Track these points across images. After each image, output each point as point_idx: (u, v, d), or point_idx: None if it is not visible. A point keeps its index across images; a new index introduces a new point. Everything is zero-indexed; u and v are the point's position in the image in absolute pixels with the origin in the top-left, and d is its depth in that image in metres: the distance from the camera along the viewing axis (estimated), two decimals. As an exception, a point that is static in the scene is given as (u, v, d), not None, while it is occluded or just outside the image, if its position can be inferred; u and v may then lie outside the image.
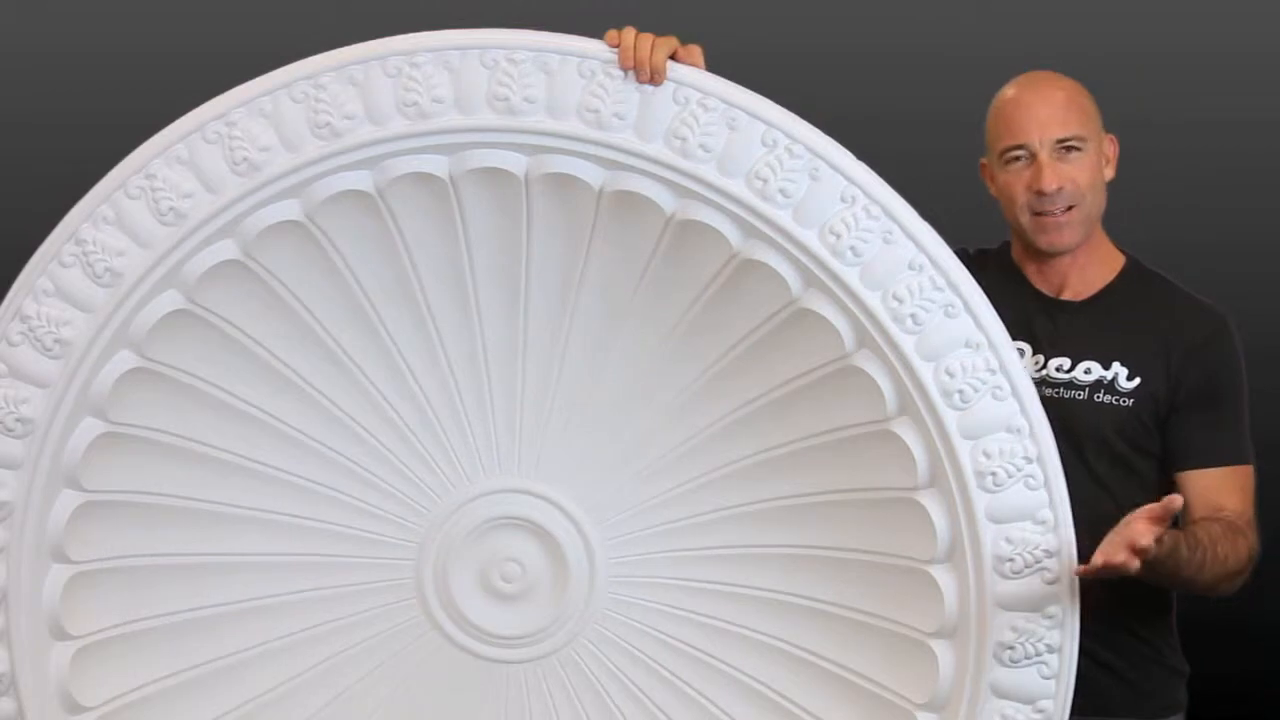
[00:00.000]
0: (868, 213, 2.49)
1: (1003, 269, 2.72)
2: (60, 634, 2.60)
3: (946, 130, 2.99)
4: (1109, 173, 2.68)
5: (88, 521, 2.60)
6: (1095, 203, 2.65)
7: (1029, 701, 2.52)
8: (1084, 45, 3.59)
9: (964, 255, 2.67)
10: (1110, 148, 2.68)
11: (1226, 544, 2.53)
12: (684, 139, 2.49)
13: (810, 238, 2.49)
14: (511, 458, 2.67)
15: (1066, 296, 2.69)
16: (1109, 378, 2.63)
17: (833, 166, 2.49)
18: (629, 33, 2.49)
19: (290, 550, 2.69)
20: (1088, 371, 2.64)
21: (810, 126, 2.50)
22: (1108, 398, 2.62)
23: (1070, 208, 2.62)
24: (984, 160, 2.73)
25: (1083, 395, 2.62)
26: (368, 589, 2.70)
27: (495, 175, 2.52)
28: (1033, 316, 2.67)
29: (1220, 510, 2.58)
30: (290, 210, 2.53)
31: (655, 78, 2.48)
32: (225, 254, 2.54)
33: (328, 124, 2.50)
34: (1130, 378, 2.63)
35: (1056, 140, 2.61)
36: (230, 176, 2.52)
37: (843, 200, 2.49)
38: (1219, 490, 2.60)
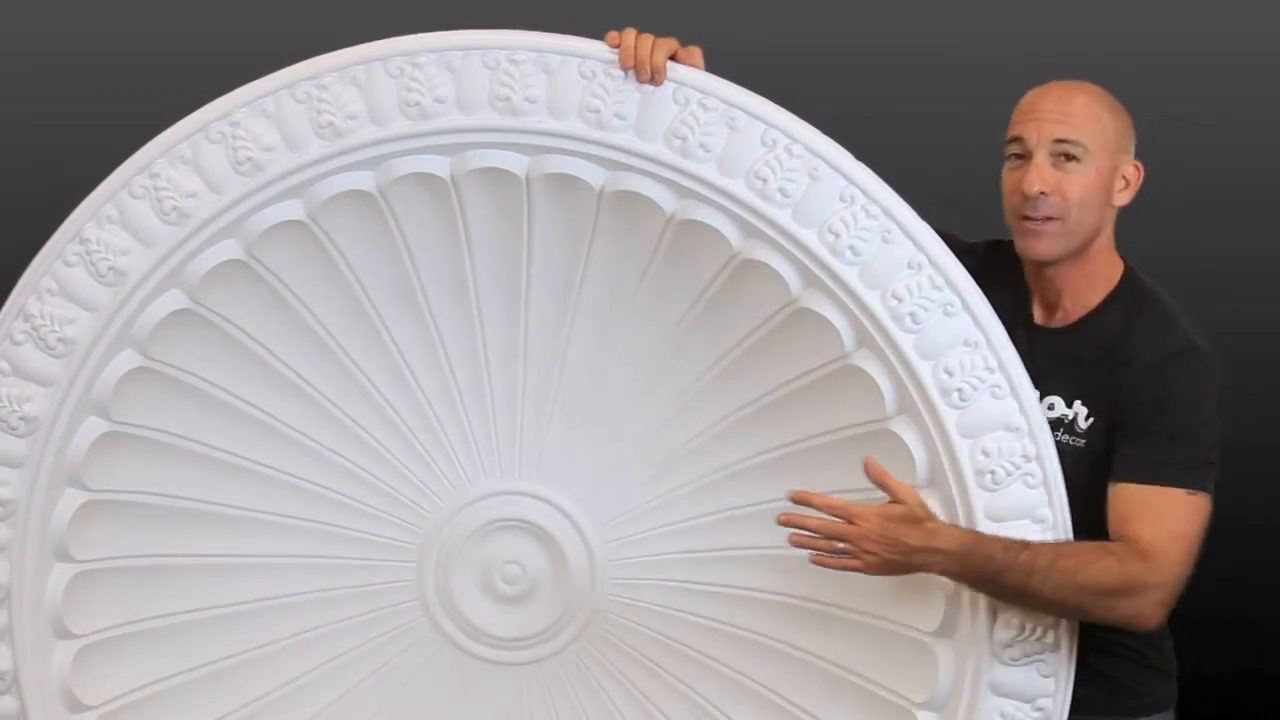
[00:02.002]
0: (866, 212, 2.49)
1: (1009, 279, 2.63)
2: (63, 632, 2.60)
3: (946, 130, 3.00)
4: (1122, 197, 2.57)
5: (91, 521, 2.60)
6: (1082, 221, 2.53)
7: (1028, 700, 2.52)
8: (1084, 45, 3.58)
9: (987, 246, 2.65)
10: (1133, 173, 2.56)
11: (1084, 558, 2.42)
12: (684, 139, 2.49)
13: (810, 237, 2.49)
14: (512, 459, 2.68)
15: (1056, 321, 2.60)
16: (1070, 416, 2.55)
17: (832, 166, 2.49)
18: (629, 33, 2.50)
19: (292, 552, 2.69)
20: (1051, 408, 2.55)
21: (809, 126, 2.51)
22: (1065, 437, 2.54)
23: (1051, 219, 2.52)
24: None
25: None
26: (369, 591, 2.71)
27: (496, 175, 2.53)
28: (1018, 338, 2.56)
29: (1122, 536, 2.44)
30: (293, 210, 2.54)
31: (655, 78, 2.48)
32: (228, 254, 2.55)
33: (330, 124, 2.51)
34: (1088, 417, 2.54)
35: (1054, 140, 2.51)
36: (233, 176, 2.52)
37: (842, 200, 2.49)
38: (1130, 508, 2.47)
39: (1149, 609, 2.43)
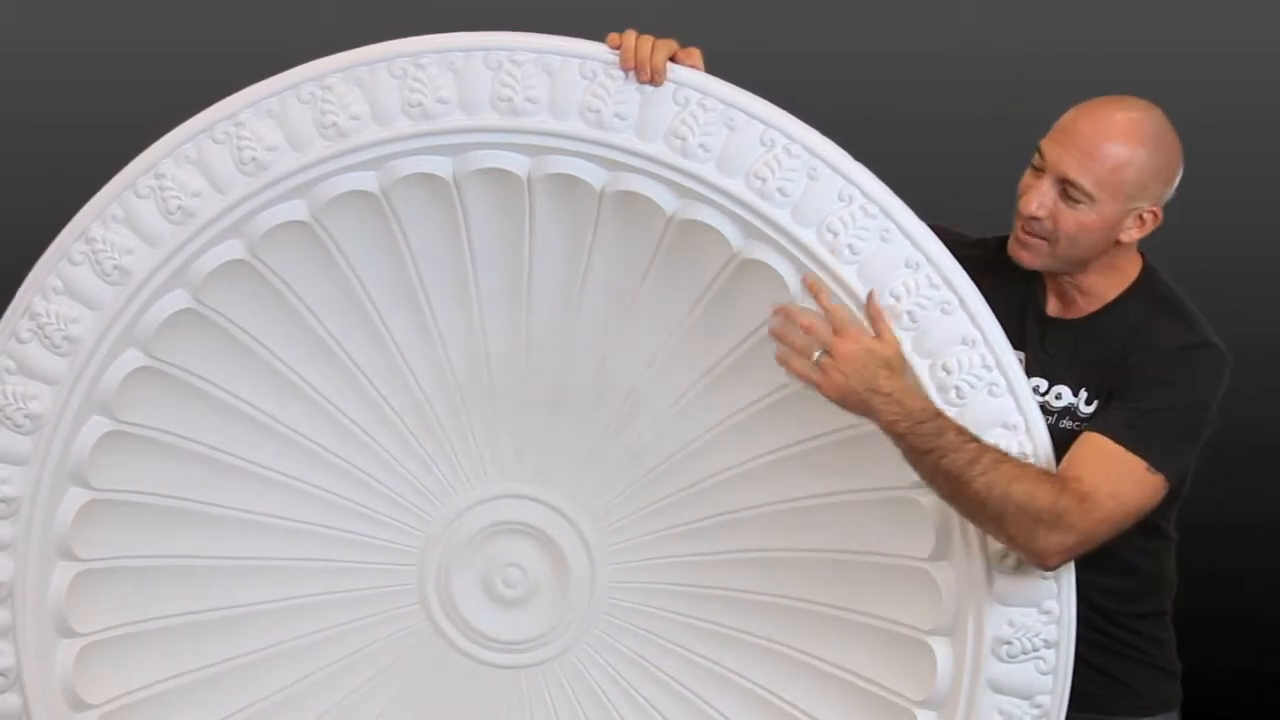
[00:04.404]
0: (865, 211, 2.49)
1: (1018, 270, 2.62)
2: (66, 631, 2.61)
3: (946, 130, 2.99)
4: (1129, 235, 2.54)
5: (94, 519, 2.62)
6: (1070, 252, 2.53)
7: (1027, 697, 2.53)
8: (1084, 45, 3.57)
9: (997, 242, 2.64)
10: (1150, 218, 2.53)
11: (1026, 472, 2.42)
12: (684, 139, 2.50)
13: (808, 236, 2.50)
14: (513, 463, 2.69)
15: (1071, 313, 2.61)
16: (1075, 404, 2.57)
17: (830, 166, 2.50)
18: (630, 35, 2.50)
19: (292, 555, 2.71)
20: (1059, 397, 2.58)
21: (808, 126, 2.51)
22: (1070, 424, 2.56)
23: (1039, 239, 2.53)
24: None
25: (1051, 420, 2.55)
26: (371, 594, 2.73)
27: (498, 176, 2.53)
28: (1029, 329, 2.61)
29: (1068, 476, 2.44)
30: (296, 210, 2.55)
31: (655, 78, 2.49)
32: (232, 254, 2.56)
33: (334, 124, 2.51)
34: (1089, 402, 2.56)
35: (1062, 177, 2.50)
36: (238, 176, 2.52)
37: (840, 199, 2.50)
38: (1090, 456, 2.46)
39: (1055, 548, 2.42)
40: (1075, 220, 2.51)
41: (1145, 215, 2.54)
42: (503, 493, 2.70)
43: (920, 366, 2.49)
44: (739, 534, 2.68)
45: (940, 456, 2.41)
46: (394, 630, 2.72)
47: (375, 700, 2.72)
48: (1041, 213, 2.51)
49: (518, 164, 2.53)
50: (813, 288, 2.48)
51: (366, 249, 2.59)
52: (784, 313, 2.47)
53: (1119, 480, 2.45)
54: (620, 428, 2.67)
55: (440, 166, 2.54)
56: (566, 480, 2.68)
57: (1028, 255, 2.55)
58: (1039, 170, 2.53)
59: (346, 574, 2.71)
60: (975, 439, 2.42)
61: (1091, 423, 2.50)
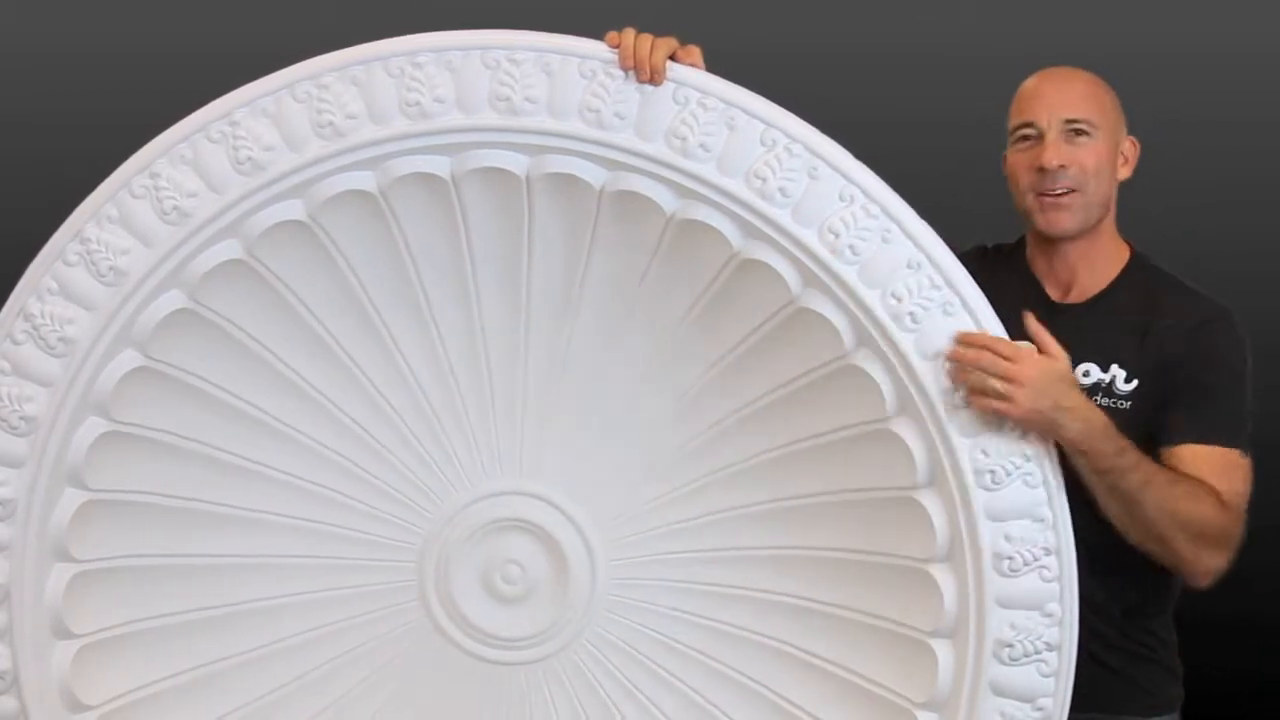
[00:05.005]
0: (866, 211, 2.51)
1: (1014, 270, 2.75)
2: (63, 632, 2.62)
3: (946, 130, 3.03)
4: (1124, 172, 2.73)
5: (91, 520, 2.62)
6: (1099, 191, 2.68)
7: (1028, 699, 2.54)
8: (1084, 45, 3.59)
9: (978, 252, 2.73)
10: (1130, 149, 2.72)
11: (1186, 488, 2.51)
12: (684, 138, 2.51)
13: (809, 236, 2.51)
14: (513, 460, 2.70)
15: (1072, 298, 2.71)
16: (1107, 380, 2.65)
17: (831, 166, 2.51)
18: (629, 33, 2.52)
19: (292, 552, 2.71)
20: (1086, 374, 2.65)
21: (808, 126, 2.52)
22: (1106, 400, 2.63)
23: (1071, 191, 2.66)
24: (1005, 153, 2.76)
25: None
26: (370, 591, 2.73)
27: (497, 175, 2.54)
28: (1037, 317, 2.62)
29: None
30: (293, 210, 2.56)
31: (655, 77, 2.50)
32: (228, 254, 2.56)
33: (330, 123, 2.52)
34: (1128, 380, 2.64)
35: (1065, 120, 2.67)
36: (234, 176, 2.54)
37: (841, 199, 2.51)
38: (1198, 467, 2.57)
39: (1218, 566, 2.55)
40: (1092, 153, 2.68)
41: (1126, 150, 2.73)
42: (501, 490, 2.70)
43: (922, 369, 2.51)
44: (739, 532, 2.69)
45: (1118, 477, 2.48)
46: (393, 628, 2.72)
47: (373, 697, 2.72)
48: (1063, 159, 2.67)
49: (516, 163, 2.55)
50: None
51: (365, 248, 2.60)
52: (962, 358, 2.48)
53: (1234, 479, 2.58)
54: (621, 425, 2.68)
55: (438, 166, 2.55)
56: (566, 477, 2.69)
57: (1066, 216, 2.68)
58: (1031, 139, 2.69)
59: (345, 571, 2.72)
60: (1147, 459, 2.49)
61: (1172, 436, 2.59)
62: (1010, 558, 2.51)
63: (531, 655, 2.72)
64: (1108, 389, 2.65)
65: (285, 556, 2.71)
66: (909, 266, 2.51)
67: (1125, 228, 2.79)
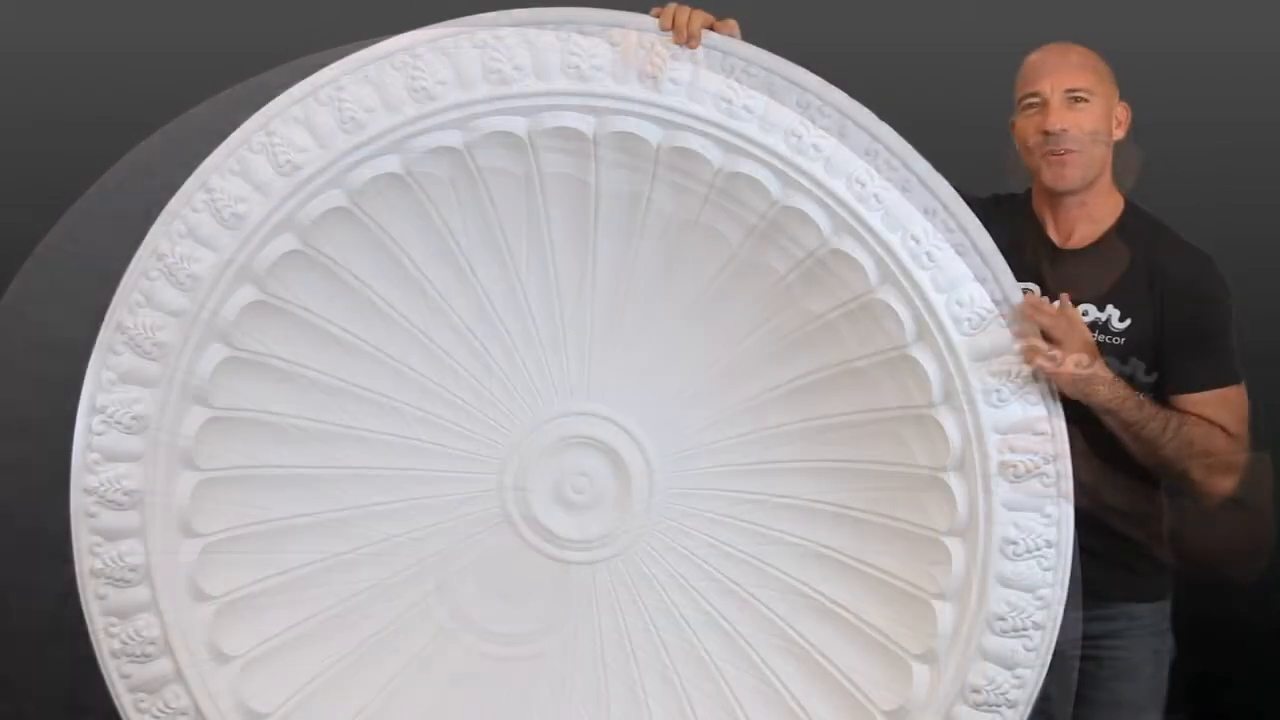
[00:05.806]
0: (889, 164, 2.73)
1: (1021, 216, 2.95)
2: (189, 532, 2.79)
3: (946, 130, 3.00)
4: (1118, 133, 2.94)
5: (213, 435, 2.79)
6: (1096, 150, 2.90)
7: (1030, 590, 2.73)
8: (1084, 45, 3.48)
9: (992, 200, 2.93)
10: (1123, 112, 2.94)
11: (1200, 430, 2.80)
12: (730, 101, 2.72)
13: (839, 186, 2.72)
14: (582, 384, 2.87)
15: (1073, 243, 2.92)
16: (1103, 319, 2.87)
17: (858, 125, 2.74)
18: (671, 5, 2.76)
19: (390, 465, 2.87)
20: (1084, 314, 2.85)
21: (839, 90, 2.74)
22: (1102, 337, 2.85)
23: (1072, 151, 2.88)
24: (1011, 119, 2.98)
25: None
26: (455, 499, 2.89)
27: (567, 133, 2.72)
28: (1041, 261, 2.90)
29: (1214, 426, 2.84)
30: (391, 164, 2.72)
31: (691, 42, 2.72)
32: (334, 202, 2.73)
33: (423, 88, 2.70)
34: (1122, 319, 2.86)
35: (1066, 89, 2.88)
36: (339, 134, 2.71)
37: (867, 154, 2.73)
38: (1207, 408, 2.84)
39: (1227, 487, 2.83)
40: (1090, 117, 2.90)
41: (1119, 114, 2.94)
42: (571, 411, 2.87)
43: (938, 301, 2.72)
44: (781, 447, 2.86)
45: (1141, 428, 2.76)
46: (475, 531, 2.89)
47: (461, 589, 2.89)
48: (1065, 123, 2.88)
49: (584, 123, 2.73)
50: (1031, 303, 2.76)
51: (450, 198, 2.76)
52: (1033, 314, 2.75)
53: (1234, 411, 2.86)
54: (673, 356, 2.85)
55: (517, 125, 2.72)
56: (628, 399, 2.86)
57: (1069, 171, 2.91)
58: (1036, 106, 2.89)
59: (434, 481, 2.88)
60: (1162, 408, 2.78)
61: (1184, 384, 2.86)
62: (1014, 466, 2.72)
63: (597, 555, 2.91)
64: (1104, 326, 2.87)
65: (382, 469, 2.87)
66: (926, 212, 2.73)
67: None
